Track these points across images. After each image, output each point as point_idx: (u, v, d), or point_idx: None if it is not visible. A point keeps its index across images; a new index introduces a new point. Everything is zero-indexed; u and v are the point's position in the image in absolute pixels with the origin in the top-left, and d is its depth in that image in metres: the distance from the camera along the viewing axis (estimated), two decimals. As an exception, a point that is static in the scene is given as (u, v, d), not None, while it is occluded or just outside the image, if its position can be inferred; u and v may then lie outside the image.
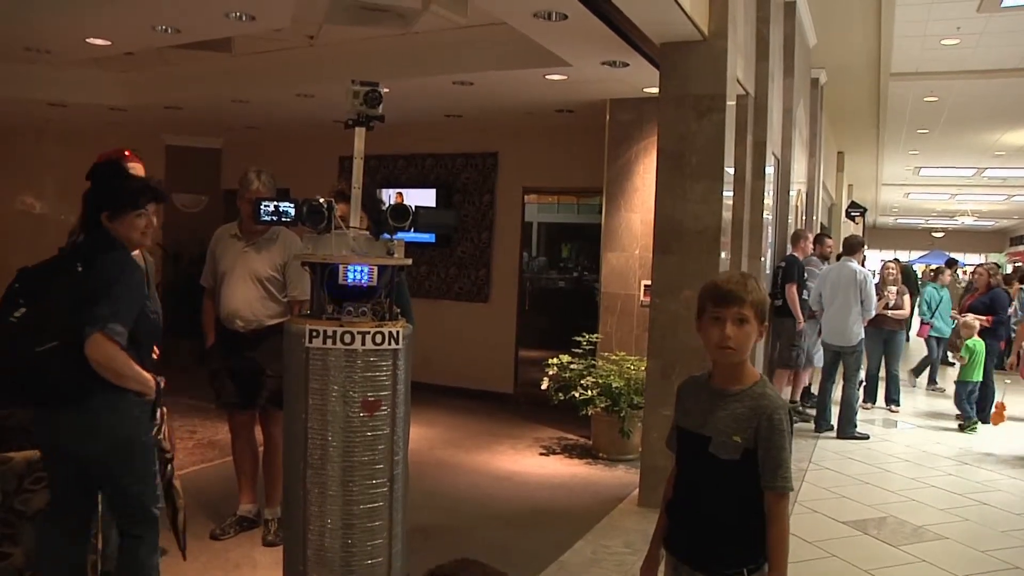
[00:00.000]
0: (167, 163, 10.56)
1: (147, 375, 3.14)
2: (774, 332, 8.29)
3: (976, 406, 8.77)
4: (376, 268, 3.21)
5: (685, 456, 2.45)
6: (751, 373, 2.37)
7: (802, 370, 8.73)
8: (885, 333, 9.08)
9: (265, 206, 3.27)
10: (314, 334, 3.04)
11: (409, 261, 3.38)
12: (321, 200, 3.22)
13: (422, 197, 9.30)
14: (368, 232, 3.34)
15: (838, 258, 8.78)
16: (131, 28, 6.05)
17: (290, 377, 3.18)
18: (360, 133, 3.32)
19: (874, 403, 9.48)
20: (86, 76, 8.03)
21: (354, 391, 3.04)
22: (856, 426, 7.98)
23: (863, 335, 8.10)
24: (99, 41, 6.43)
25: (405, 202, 3.40)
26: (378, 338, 3.07)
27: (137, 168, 4.07)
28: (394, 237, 3.29)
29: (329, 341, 3.04)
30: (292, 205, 3.26)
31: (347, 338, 3.04)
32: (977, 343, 8.78)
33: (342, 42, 6.83)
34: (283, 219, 3.29)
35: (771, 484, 2.27)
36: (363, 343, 3.05)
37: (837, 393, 8.18)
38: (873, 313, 8.22)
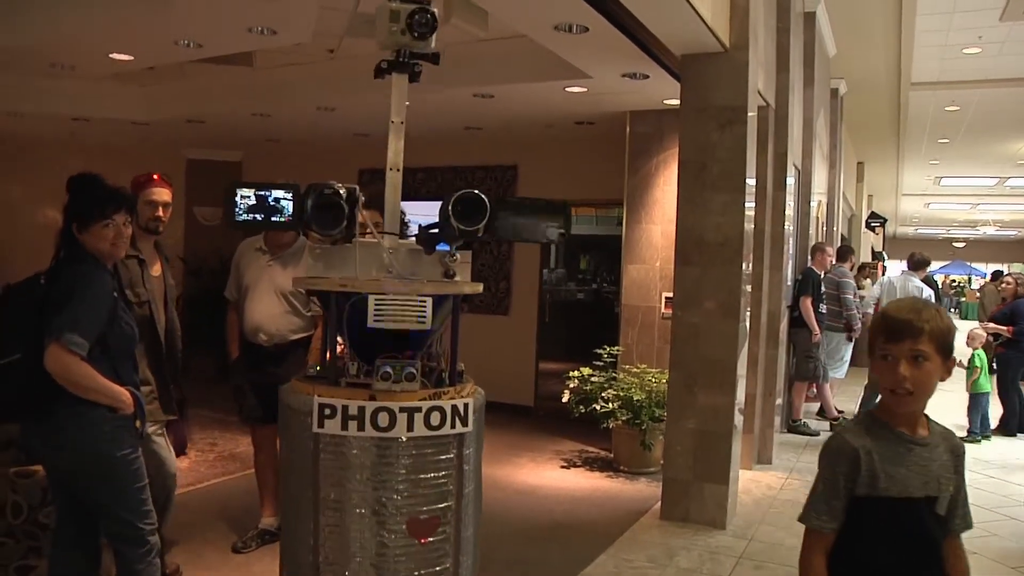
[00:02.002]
0: (188, 176, 10.63)
1: (118, 388, 2.99)
2: (791, 344, 8.28)
3: (998, 419, 8.68)
4: (431, 300, 2.17)
5: (895, 527, 1.98)
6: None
7: (823, 383, 8.68)
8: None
9: (243, 197, 2.24)
10: (327, 412, 2.01)
11: (479, 287, 2.43)
12: (338, 188, 2.26)
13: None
14: (415, 241, 2.37)
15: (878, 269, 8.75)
16: (154, 43, 6.10)
17: (290, 478, 2.18)
18: (399, 84, 2.37)
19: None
20: (109, 91, 8.10)
21: (395, 506, 2.02)
22: None
23: None
24: (122, 56, 6.49)
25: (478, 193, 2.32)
26: (435, 418, 2.05)
27: (163, 193, 4.06)
28: (455, 250, 2.34)
29: (353, 424, 2.00)
30: (289, 194, 2.23)
31: (383, 419, 2.00)
32: (980, 354, 8.74)
33: (362, 56, 6.81)
34: (273, 218, 2.26)
35: (965, 524, 2.09)
36: (410, 427, 2.01)
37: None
38: None
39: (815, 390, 8.86)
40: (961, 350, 9.04)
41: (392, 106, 2.35)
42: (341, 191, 2.20)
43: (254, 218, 2.24)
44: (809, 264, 8.51)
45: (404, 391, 2.05)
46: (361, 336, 2.14)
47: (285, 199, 2.19)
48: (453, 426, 2.04)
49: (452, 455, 2.05)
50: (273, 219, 2.23)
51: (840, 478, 1.97)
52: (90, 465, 3.02)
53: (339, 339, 2.25)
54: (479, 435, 2.20)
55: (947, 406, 9.16)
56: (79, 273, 3.02)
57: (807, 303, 8.13)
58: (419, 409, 2.01)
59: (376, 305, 2.07)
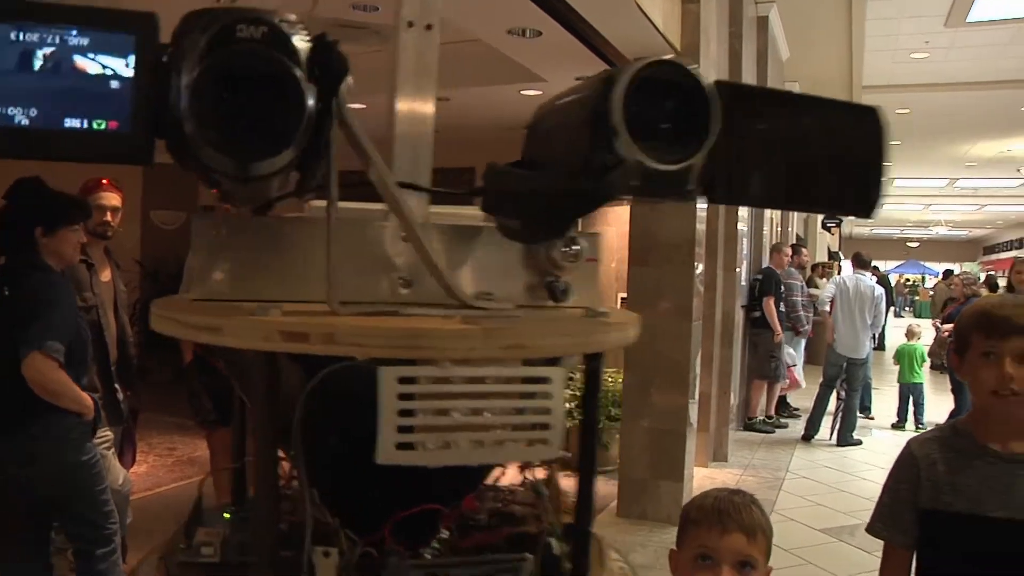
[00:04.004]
0: (145, 180, 10.52)
1: (83, 394, 3.04)
2: (751, 344, 8.41)
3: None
4: (559, 376, 0.93)
5: (971, 548, 1.78)
6: None
7: (779, 382, 8.82)
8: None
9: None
10: None
11: (637, 325, 1.11)
12: (279, 22, 0.87)
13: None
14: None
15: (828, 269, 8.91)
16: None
17: None
18: None
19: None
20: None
21: None
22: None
23: (871, 348, 8.45)
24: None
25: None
26: None
27: (112, 197, 3.99)
28: (575, 233, 1.09)
29: None
30: (130, 38, 0.86)
31: None
32: (907, 347, 9.10)
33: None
34: (67, 122, 0.83)
35: None
36: None
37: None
38: (880, 329, 8.49)
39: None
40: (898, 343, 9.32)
41: None
42: (294, 37, 0.85)
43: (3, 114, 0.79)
44: (767, 264, 8.64)
45: None
46: (352, 473, 0.95)
47: (106, 60, 0.82)
48: None
49: None
50: (70, 125, 0.83)
51: (901, 487, 1.90)
52: (59, 473, 3.03)
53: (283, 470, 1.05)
54: None
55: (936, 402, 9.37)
56: (45, 280, 3.02)
57: (770, 303, 8.25)
58: None
59: (402, 399, 0.84)
